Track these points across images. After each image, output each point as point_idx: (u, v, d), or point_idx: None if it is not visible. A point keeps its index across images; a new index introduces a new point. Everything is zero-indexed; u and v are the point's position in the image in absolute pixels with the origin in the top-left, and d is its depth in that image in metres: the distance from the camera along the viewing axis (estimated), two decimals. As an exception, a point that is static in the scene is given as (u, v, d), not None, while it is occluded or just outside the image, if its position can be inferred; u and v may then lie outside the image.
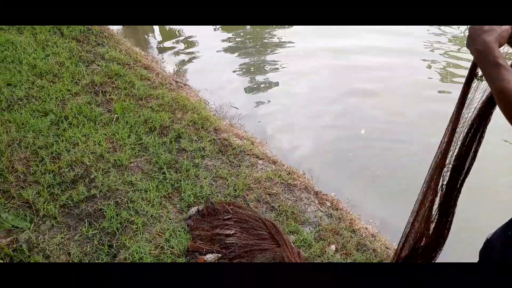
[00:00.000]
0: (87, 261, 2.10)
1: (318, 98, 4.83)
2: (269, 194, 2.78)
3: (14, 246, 2.12)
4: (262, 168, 3.05)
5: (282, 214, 2.62)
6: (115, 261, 2.13)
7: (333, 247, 2.42)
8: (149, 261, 2.12)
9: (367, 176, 3.61)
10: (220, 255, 2.22)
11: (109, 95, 3.40)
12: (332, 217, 2.71)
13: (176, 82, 4.24)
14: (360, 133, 4.19)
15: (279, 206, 2.67)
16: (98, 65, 3.85)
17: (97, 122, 3.07)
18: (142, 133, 3.04)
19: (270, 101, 4.77)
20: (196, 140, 3.12)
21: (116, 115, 3.16)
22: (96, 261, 2.11)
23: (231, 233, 2.34)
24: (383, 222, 2.98)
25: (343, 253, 2.41)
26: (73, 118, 3.05)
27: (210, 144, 3.11)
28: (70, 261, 2.09)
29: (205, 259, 2.17)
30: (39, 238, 2.19)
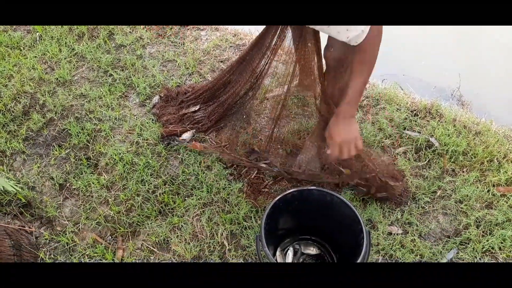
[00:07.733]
0: (72, 178, 2.14)
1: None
2: (221, 61, 2.75)
3: (-4, 189, 2.12)
4: (207, 39, 2.96)
5: (239, 75, 2.63)
6: (98, 169, 2.19)
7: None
8: (130, 158, 2.18)
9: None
10: (194, 130, 2.28)
11: (21, 15, 3.08)
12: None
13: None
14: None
15: (234, 69, 2.66)
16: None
17: (22, 48, 2.84)
18: (73, 43, 2.85)
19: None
20: (130, 32, 2.95)
21: (38, 33, 2.91)
22: (80, 176, 2.16)
23: (197, 108, 2.38)
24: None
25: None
26: (-6, 51, 2.81)
27: (146, 31, 2.95)
28: (56, 184, 2.13)
29: (183, 139, 2.24)
30: (17, 175, 2.20)
